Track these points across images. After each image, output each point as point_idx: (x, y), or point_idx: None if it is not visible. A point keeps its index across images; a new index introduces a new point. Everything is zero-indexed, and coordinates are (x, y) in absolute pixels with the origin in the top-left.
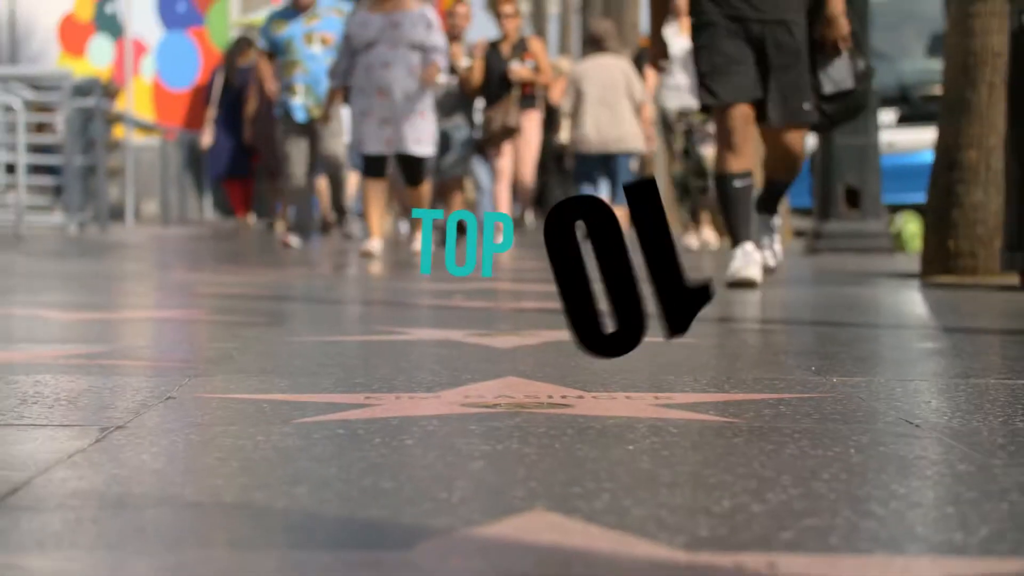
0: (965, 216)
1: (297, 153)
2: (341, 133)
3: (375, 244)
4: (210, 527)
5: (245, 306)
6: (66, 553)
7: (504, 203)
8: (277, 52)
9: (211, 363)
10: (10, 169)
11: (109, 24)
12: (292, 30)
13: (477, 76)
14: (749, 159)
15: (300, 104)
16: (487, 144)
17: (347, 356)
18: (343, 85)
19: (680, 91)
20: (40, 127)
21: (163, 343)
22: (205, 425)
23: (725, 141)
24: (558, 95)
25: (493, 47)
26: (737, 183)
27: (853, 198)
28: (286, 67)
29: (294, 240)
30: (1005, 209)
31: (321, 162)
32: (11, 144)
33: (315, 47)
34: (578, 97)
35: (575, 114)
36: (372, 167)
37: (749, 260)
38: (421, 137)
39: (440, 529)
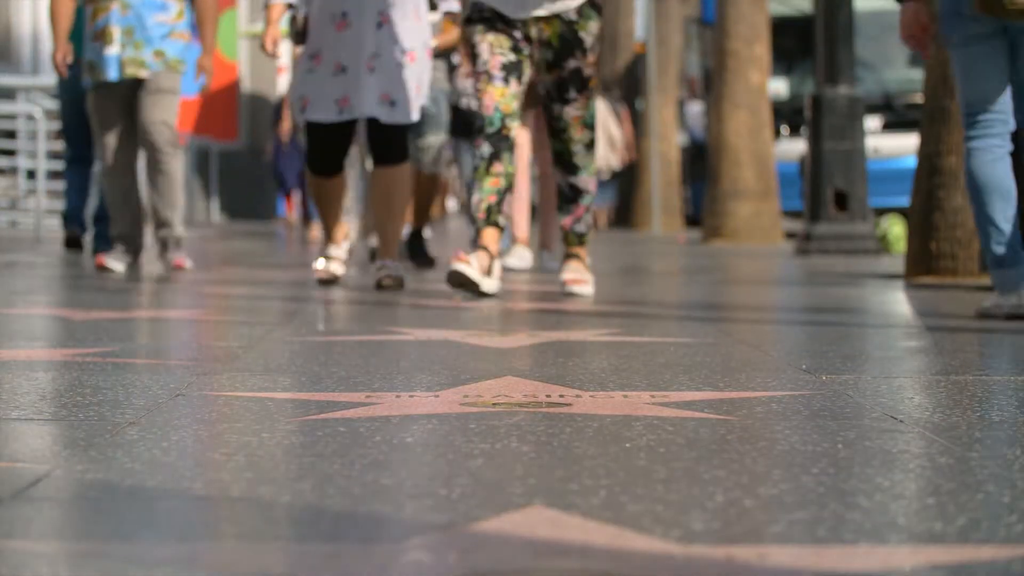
0: (945, 220)
1: (111, 124)
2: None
3: (335, 256)
4: (218, 519)
5: (250, 306)
6: (84, 542)
7: (522, 202)
8: None
9: (218, 362)
10: (30, 175)
11: None
12: None
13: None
14: None
15: (115, 56)
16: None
17: (349, 356)
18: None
19: None
20: (58, 134)
21: (172, 342)
22: (212, 422)
23: None
24: None
25: None
26: None
27: (841, 201)
28: (98, 4)
29: (112, 261)
30: None
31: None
32: (32, 151)
33: None
34: None
35: None
36: (321, 144)
37: None
38: (397, 95)
39: (440, 524)
